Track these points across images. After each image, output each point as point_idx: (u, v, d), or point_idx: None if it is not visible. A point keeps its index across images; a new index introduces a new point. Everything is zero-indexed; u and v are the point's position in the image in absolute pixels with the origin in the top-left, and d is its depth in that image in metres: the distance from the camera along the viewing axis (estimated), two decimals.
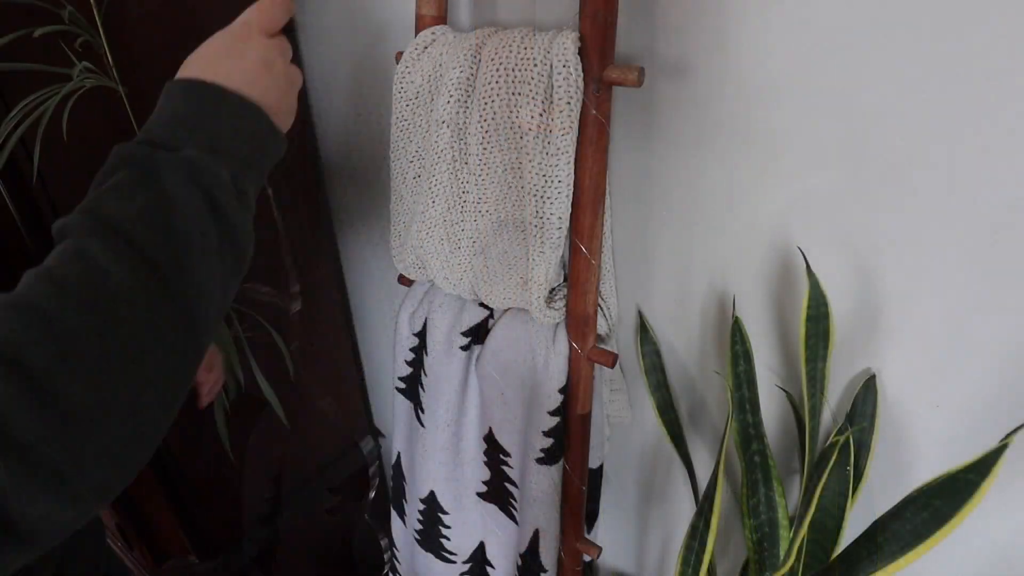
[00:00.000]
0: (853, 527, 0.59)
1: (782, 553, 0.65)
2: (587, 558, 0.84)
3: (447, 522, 0.89)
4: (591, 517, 0.86)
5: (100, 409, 0.33)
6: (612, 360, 0.70)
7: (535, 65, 0.59)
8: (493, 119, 0.63)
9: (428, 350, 0.82)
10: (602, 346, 0.72)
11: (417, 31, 0.70)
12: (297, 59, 0.95)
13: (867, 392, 0.63)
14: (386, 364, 1.27)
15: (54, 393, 0.31)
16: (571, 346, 0.71)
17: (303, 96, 0.86)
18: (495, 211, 0.69)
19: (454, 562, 0.91)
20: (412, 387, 0.88)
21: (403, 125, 0.72)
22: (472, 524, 0.88)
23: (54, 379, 0.31)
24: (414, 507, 0.92)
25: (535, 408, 0.75)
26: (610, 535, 1.00)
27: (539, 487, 0.77)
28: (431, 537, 0.91)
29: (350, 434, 1.26)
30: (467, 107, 0.65)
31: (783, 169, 0.62)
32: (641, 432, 0.88)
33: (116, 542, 1.07)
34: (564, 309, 0.71)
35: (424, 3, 0.70)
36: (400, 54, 0.70)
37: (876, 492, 0.66)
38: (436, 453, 0.86)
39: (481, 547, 0.89)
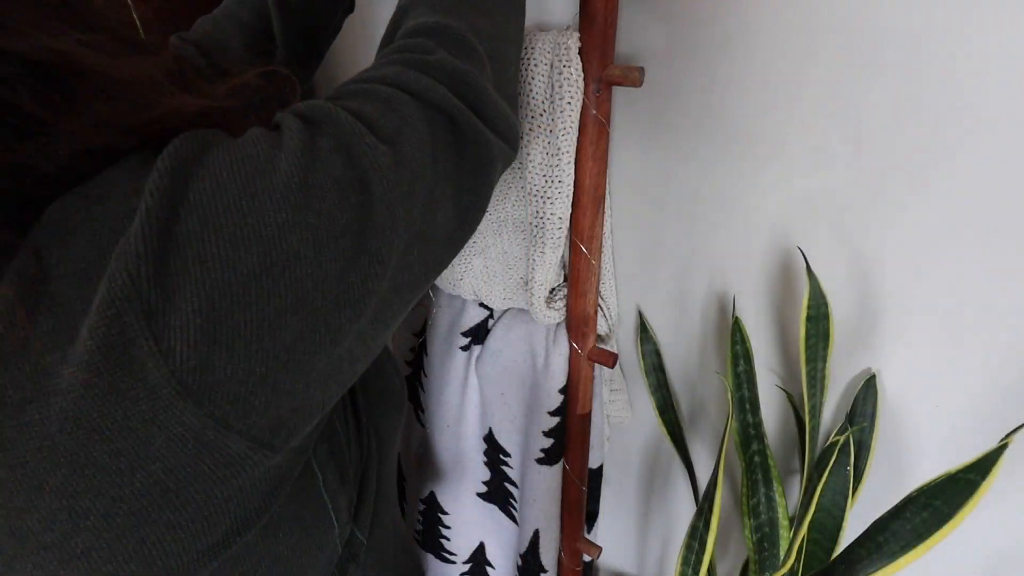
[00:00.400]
0: (853, 527, 0.59)
1: (782, 553, 0.65)
2: (587, 558, 0.84)
3: (447, 522, 0.89)
4: (591, 517, 0.86)
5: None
6: (612, 360, 0.70)
7: (535, 65, 0.59)
8: None
9: (428, 350, 0.82)
10: (602, 346, 0.72)
11: None
12: None
13: (867, 392, 0.63)
14: None
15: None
16: (571, 346, 0.71)
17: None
18: (495, 211, 0.69)
19: (454, 562, 0.91)
20: (412, 387, 0.88)
21: None
22: (472, 524, 0.88)
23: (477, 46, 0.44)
24: (414, 507, 0.92)
25: (535, 408, 0.75)
26: (610, 535, 1.00)
27: (539, 487, 0.77)
28: (431, 537, 0.91)
29: None
30: None
31: (783, 169, 0.62)
32: (641, 432, 0.88)
33: None
34: (564, 309, 0.71)
35: None
36: None
37: (876, 492, 0.66)
38: (436, 453, 0.86)
39: (481, 547, 0.89)
